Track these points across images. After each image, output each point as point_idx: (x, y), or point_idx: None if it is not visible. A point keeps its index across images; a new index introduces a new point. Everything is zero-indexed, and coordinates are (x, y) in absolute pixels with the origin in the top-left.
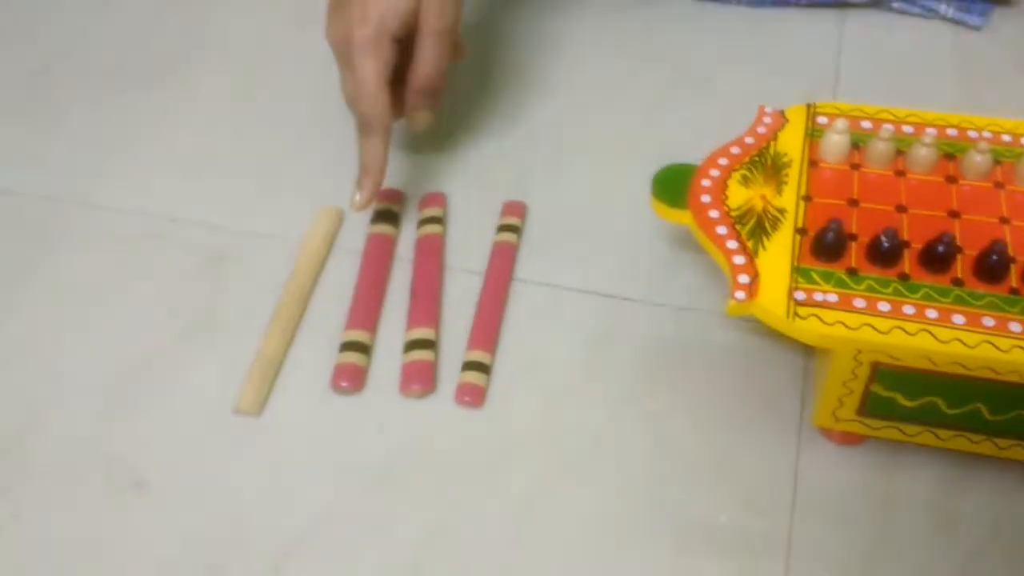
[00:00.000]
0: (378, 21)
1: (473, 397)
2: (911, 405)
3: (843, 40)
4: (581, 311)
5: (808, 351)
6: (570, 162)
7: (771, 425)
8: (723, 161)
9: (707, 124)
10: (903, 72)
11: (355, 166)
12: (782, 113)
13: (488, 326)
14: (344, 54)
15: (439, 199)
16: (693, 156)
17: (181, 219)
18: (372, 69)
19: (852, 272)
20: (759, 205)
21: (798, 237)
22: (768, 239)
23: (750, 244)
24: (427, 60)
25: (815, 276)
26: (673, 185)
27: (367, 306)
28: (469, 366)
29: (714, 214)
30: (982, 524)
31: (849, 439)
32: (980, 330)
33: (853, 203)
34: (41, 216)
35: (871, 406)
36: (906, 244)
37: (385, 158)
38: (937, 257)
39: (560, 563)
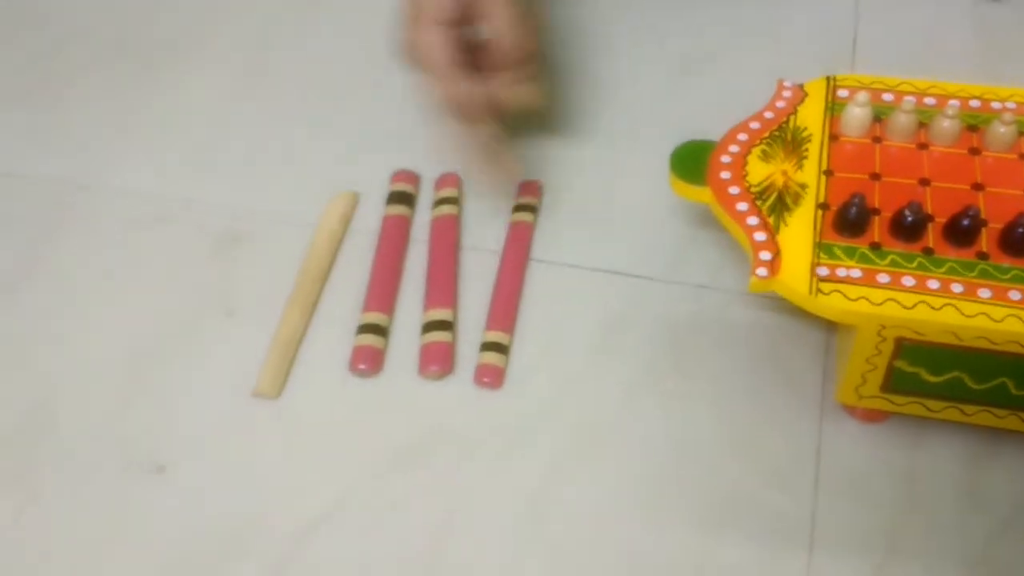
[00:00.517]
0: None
1: (492, 378)
2: (936, 380)
3: (859, 12)
4: (599, 290)
5: (829, 327)
6: (586, 140)
7: (793, 403)
8: (742, 137)
9: (725, 100)
10: (921, 44)
11: (367, 145)
12: (801, 87)
13: (506, 306)
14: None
15: (454, 179)
16: (711, 132)
17: (196, 202)
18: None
19: (875, 247)
20: (780, 181)
21: (820, 212)
22: (789, 215)
23: (771, 220)
24: (500, 29)
25: (838, 251)
26: (691, 162)
27: (384, 288)
28: (487, 347)
29: (734, 190)
30: (1007, 500)
31: (872, 416)
32: (1006, 304)
33: (875, 177)
34: (55, 200)
35: (895, 382)
36: (930, 218)
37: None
38: (962, 230)
39: (581, 544)
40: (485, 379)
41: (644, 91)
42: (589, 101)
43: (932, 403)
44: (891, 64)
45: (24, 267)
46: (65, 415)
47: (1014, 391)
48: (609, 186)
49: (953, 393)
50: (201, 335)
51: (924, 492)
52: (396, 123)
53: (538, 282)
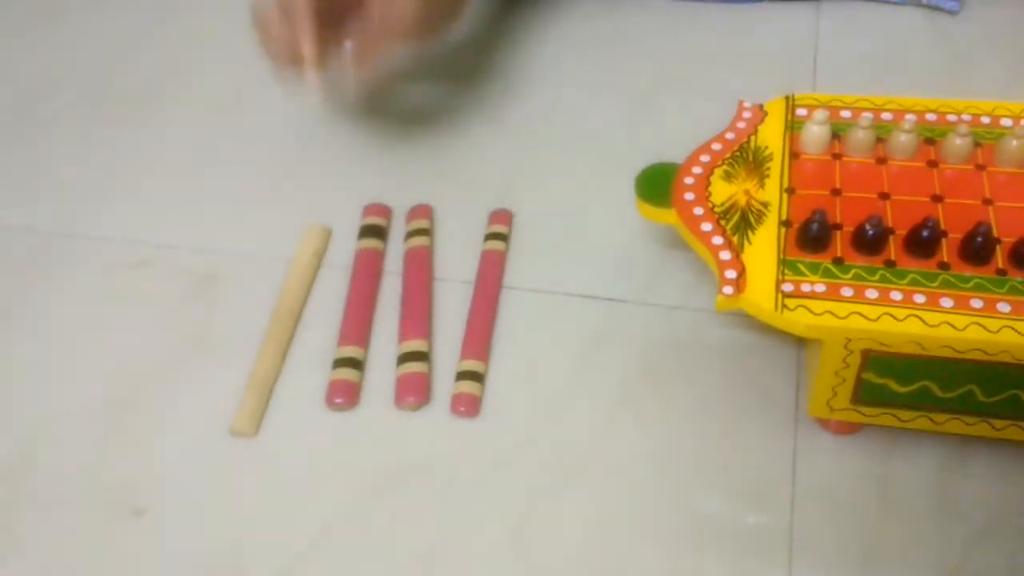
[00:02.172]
0: None
1: (468, 407)
2: (904, 391)
3: (820, 32)
4: (573, 315)
5: (801, 343)
6: (554, 167)
7: (768, 418)
8: (705, 158)
9: (689, 122)
10: (881, 61)
11: (341, 183)
12: (761, 107)
13: (480, 335)
14: None
15: (425, 211)
16: (679, 155)
17: (170, 245)
18: None
19: (838, 261)
20: (743, 200)
21: (783, 229)
22: (753, 233)
23: (735, 239)
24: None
25: (802, 267)
26: (656, 184)
27: (358, 321)
28: (463, 376)
29: (698, 211)
30: (982, 507)
31: (845, 428)
32: (969, 312)
33: (836, 193)
34: (29, 249)
35: (864, 394)
36: (891, 231)
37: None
38: (922, 242)
39: (564, 569)
40: (461, 408)
41: (610, 117)
42: (557, 128)
43: (902, 413)
44: (853, 81)
45: (1, 314)
46: (45, 462)
47: (982, 398)
48: (579, 211)
49: (922, 402)
50: (179, 376)
51: (899, 502)
52: (366, 157)
53: (512, 309)
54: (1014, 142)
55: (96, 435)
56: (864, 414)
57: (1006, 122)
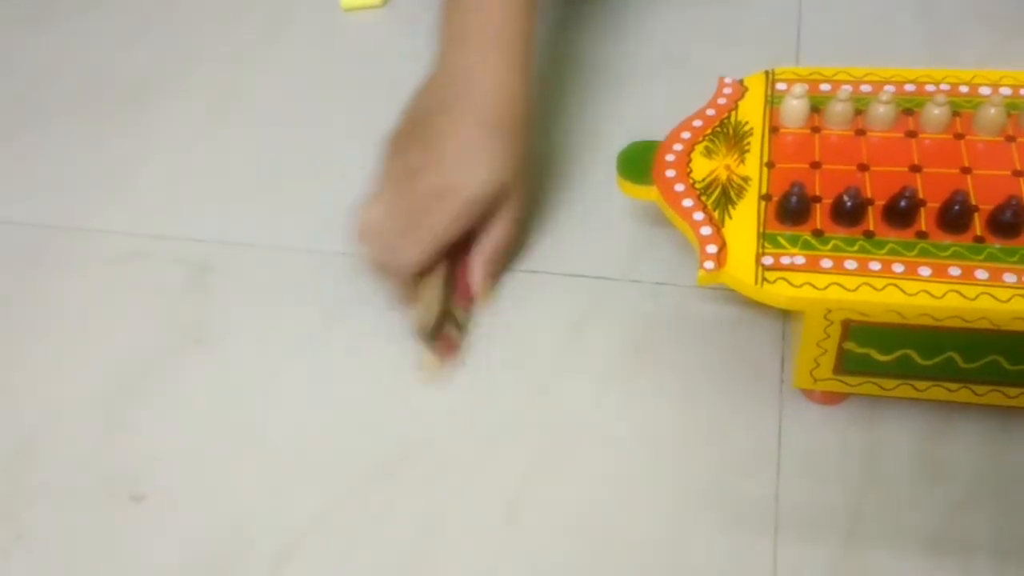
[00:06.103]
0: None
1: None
2: (886, 359)
3: (803, 5)
4: (560, 294)
5: (786, 316)
6: (536, 147)
7: (754, 391)
8: (686, 135)
9: (674, 99)
10: (865, 32)
11: (324, 173)
12: (741, 82)
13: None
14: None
15: None
16: (661, 133)
17: (165, 236)
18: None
19: (818, 233)
20: (723, 175)
21: (763, 203)
22: (734, 208)
23: (716, 214)
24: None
25: (781, 240)
26: (637, 162)
27: None
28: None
29: (679, 187)
30: (967, 472)
31: (830, 398)
32: (946, 280)
33: (815, 165)
34: (27, 243)
35: (847, 364)
36: (869, 202)
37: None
38: (900, 212)
39: (558, 544)
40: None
41: (593, 95)
42: (540, 107)
43: (885, 381)
44: (836, 55)
45: (1, 309)
46: (47, 451)
47: (962, 364)
48: (563, 191)
49: (904, 370)
50: (175, 365)
51: (884, 469)
52: (357, 143)
53: (500, 289)
54: (992, 110)
55: (95, 424)
56: (847, 384)
57: (984, 90)
